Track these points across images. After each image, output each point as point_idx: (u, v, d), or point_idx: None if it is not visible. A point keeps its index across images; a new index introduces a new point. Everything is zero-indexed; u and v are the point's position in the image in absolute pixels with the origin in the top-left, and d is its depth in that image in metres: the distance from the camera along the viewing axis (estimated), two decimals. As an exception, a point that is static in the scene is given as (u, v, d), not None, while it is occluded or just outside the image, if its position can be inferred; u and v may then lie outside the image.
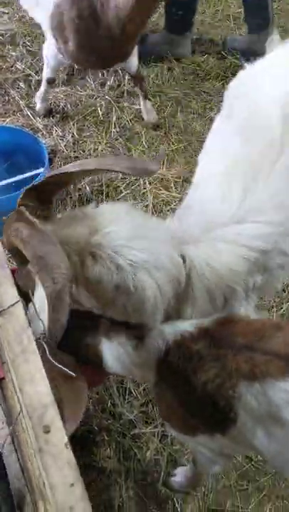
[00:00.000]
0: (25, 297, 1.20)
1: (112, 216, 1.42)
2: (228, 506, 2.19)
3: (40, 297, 1.27)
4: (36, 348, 0.91)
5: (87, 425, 2.36)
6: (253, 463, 2.29)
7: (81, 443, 2.32)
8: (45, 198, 1.45)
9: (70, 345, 1.46)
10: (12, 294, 0.99)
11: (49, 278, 1.13)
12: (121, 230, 1.37)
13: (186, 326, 1.49)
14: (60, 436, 0.81)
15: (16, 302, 0.97)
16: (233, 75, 3.72)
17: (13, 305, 0.96)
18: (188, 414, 1.53)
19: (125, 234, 1.37)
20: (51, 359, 0.97)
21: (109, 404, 2.40)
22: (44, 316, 1.29)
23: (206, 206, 1.60)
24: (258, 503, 2.20)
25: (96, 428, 2.35)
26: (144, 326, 1.50)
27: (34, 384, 0.85)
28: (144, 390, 2.45)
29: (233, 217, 1.54)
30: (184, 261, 1.45)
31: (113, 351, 1.50)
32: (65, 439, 0.81)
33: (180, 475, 2.20)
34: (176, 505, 2.21)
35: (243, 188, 1.57)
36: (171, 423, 1.67)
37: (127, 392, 2.45)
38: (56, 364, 0.96)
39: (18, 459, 1.37)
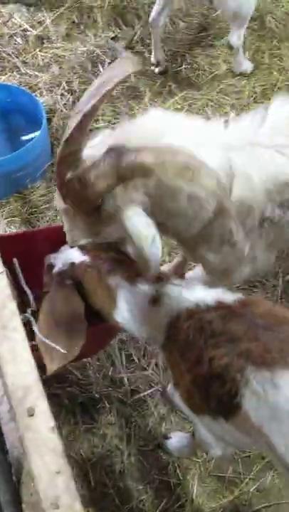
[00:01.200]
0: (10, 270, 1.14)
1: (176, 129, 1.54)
2: (230, 473, 2.18)
3: None
4: (20, 323, 0.85)
5: (88, 392, 2.34)
6: (255, 430, 2.27)
7: (82, 409, 2.30)
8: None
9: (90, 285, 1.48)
10: (-5, 265, 0.92)
11: None
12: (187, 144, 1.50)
13: (207, 297, 1.45)
14: (44, 420, 0.75)
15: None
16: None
17: (-5, 276, 0.89)
18: (194, 387, 1.46)
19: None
20: (39, 335, 0.91)
21: (110, 371, 2.37)
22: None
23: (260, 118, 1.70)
24: (260, 470, 2.19)
25: (97, 395, 2.33)
26: (166, 282, 1.49)
27: (16, 363, 0.78)
28: (143, 355, 2.41)
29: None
30: (230, 169, 1.58)
31: (130, 298, 1.48)
32: (51, 423, 0.75)
33: (177, 440, 2.17)
34: (178, 470, 2.20)
35: None
36: (179, 391, 1.59)
37: (129, 358, 2.41)
38: (44, 340, 0.89)
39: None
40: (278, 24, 3.60)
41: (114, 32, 3.58)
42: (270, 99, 3.25)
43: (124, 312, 1.49)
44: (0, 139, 2.93)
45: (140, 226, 1.44)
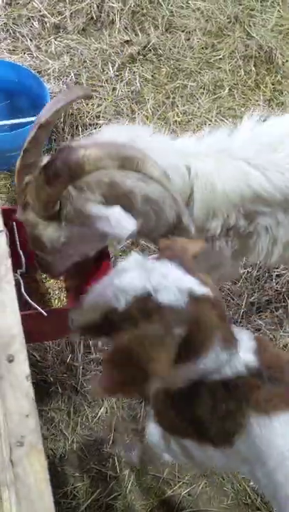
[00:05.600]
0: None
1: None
2: (166, 474, 2.26)
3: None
4: (13, 279, 0.90)
5: (43, 375, 2.38)
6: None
7: (34, 390, 2.34)
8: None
9: None
10: (-5, 224, 0.97)
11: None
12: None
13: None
14: (22, 368, 0.81)
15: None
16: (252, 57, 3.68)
17: (-5, 234, 0.94)
18: (186, 423, 1.43)
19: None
20: (24, 293, 0.96)
21: (68, 358, 2.42)
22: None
23: (227, 133, 1.75)
24: (194, 476, 2.27)
25: (51, 379, 2.37)
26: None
27: (4, 314, 0.84)
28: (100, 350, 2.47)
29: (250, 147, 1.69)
30: (189, 172, 1.62)
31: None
32: (27, 371, 0.81)
33: (132, 451, 2.18)
34: (116, 464, 2.26)
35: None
36: (162, 424, 1.55)
37: (87, 348, 2.47)
38: (28, 299, 0.95)
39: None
40: (285, 61, 3.77)
41: (129, 36, 3.67)
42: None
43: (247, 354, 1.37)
44: (2, 117, 2.96)
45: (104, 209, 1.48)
